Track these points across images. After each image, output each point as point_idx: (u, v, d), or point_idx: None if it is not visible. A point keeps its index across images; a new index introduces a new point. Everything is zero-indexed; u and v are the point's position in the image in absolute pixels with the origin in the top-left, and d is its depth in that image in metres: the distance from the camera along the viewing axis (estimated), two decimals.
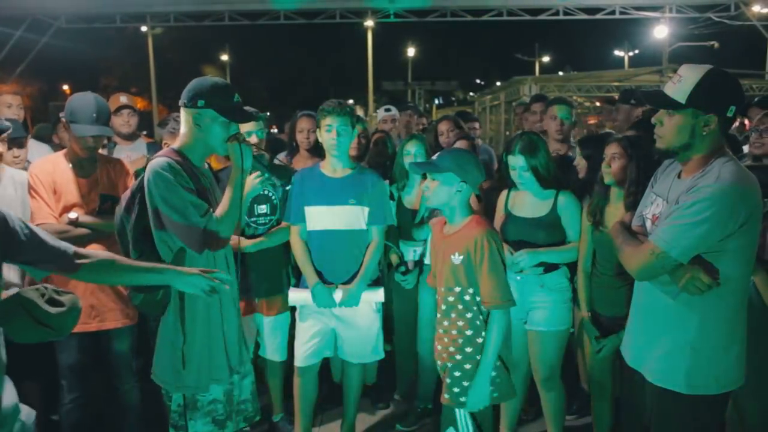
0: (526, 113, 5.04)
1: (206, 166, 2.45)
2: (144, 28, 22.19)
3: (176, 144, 2.33)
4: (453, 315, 2.55)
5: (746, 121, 4.75)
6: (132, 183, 3.12)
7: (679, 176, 2.14)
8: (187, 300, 2.26)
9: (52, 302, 1.70)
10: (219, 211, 2.26)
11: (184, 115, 2.29)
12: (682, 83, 1.99)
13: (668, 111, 2.03)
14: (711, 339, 2.06)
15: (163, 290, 2.24)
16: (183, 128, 2.31)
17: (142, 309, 2.38)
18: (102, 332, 3.00)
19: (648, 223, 2.23)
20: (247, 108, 2.78)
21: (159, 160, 2.22)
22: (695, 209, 1.94)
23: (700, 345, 2.06)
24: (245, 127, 3.11)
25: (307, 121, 3.93)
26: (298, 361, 3.24)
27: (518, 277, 3.09)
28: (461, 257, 2.50)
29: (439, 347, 2.63)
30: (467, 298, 2.52)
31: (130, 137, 4.44)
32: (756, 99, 4.72)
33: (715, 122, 1.98)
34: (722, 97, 1.98)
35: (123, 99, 4.39)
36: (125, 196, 2.32)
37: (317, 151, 3.83)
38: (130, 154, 4.14)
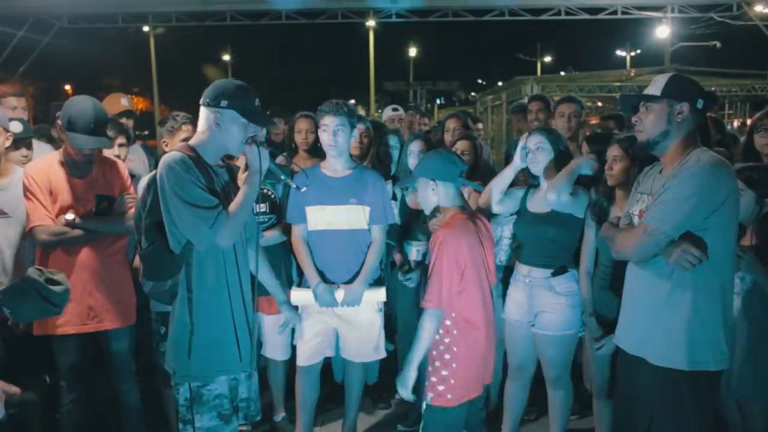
0: (524, 113, 5.04)
1: (221, 164, 2.45)
2: (146, 28, 22.17)
3: (192, 141, 2.37)
4: None
5: (748, 122, 4.75)
6: (129, 183, 3.13)
7: (660, 172, 2.35)
8: (195, 292, 2.30)
9: (51, 282, 1.92)
10: (230, 210, 2.28)
11: (204, 113, 2.32)
12: (656, 83, 2.33)
13: (646, 105, 2.32)
14: (705, 314, 2.22)
15: (172, 280, 2.30)
16: (201, 126, 2.34)
17: (152, 297, 2.43)
18: (100, 333, 2.99)
19: (635, 220, 2.39)
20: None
21: (173, 154, 2.26)
22: (682, 187, 2.16)
23: (696, 320, 2.22)
24: None
25: (306, 122, 3.92)
26: (300, 361, 3.24)
27: (527, 280, 3.09)
28: (429, 257, 2.61)
29: None
30: None
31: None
32: None
33: (687, 109, 2.26)
34: (690, 89, 2.32)
35: (124, 102, 4.23)
36: (142, 186, 2.35)
37: (316, 151, 3.83)
38: (130, 157, 4.09)
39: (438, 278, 2.53)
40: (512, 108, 6.31)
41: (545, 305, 3.05)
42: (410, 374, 2.60)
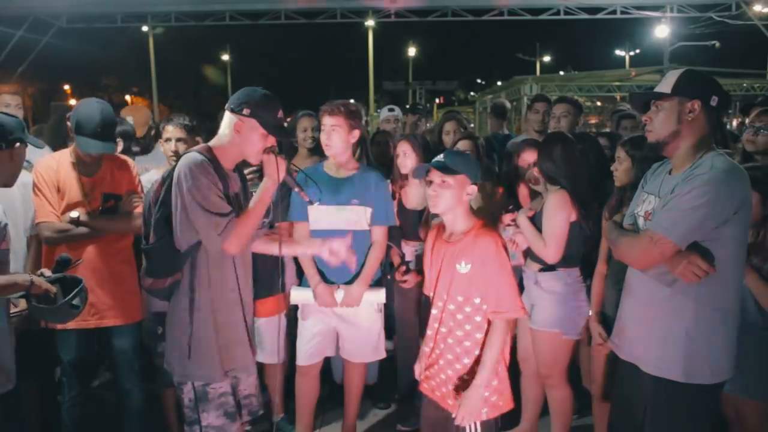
0: (529, 112, 5.07)
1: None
2: (145, 28, 22.18)
3: (212, 142, 2.39)
4: (451, 323, 2.45)
5: (746, 121, 4.76)
6: (137, 182, 3.13)
7: (669, 173, 2.22)
8: (198, 292, 2.31)
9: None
10: (240, 218, 2.29)
11: (227, 118, 2.35)
12: (667, 80, 2.18)
13: (656, 104, 2.17)
14: (706, 327, 2.12)
15: (172, 278, 2.31)
16: (222, 130, 2.37)
17: (149, 292, 2.43)
18: (103, 329, 3.00)
19: (640, 221, 2.29)
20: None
21: (193, 155, 2.28)
22: (692, 195, 2.02)
23: (696, 333, 2.11)
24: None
25: (309, 120, 3.94)
26: (300, 361, 3.24)
27: (525, 270, 3.15)
28: (468, 266, 2.38)
29: (430, 352, 2.54)
30: (469, 309, 2.41)
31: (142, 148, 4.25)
32: (759, 99, 4.71)
33: (699, 107, 2.10)
34: (703, 85, 2.15)
35: (128, 117, 4.15)
36: (156, 181, 2.37)
37: (317, 150, 3.84)
38: (147, 165, 3.92)
39: (513, 284, 2.38)
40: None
41: (534, 298, 3.10)
42: (479, 399, 2.35)
